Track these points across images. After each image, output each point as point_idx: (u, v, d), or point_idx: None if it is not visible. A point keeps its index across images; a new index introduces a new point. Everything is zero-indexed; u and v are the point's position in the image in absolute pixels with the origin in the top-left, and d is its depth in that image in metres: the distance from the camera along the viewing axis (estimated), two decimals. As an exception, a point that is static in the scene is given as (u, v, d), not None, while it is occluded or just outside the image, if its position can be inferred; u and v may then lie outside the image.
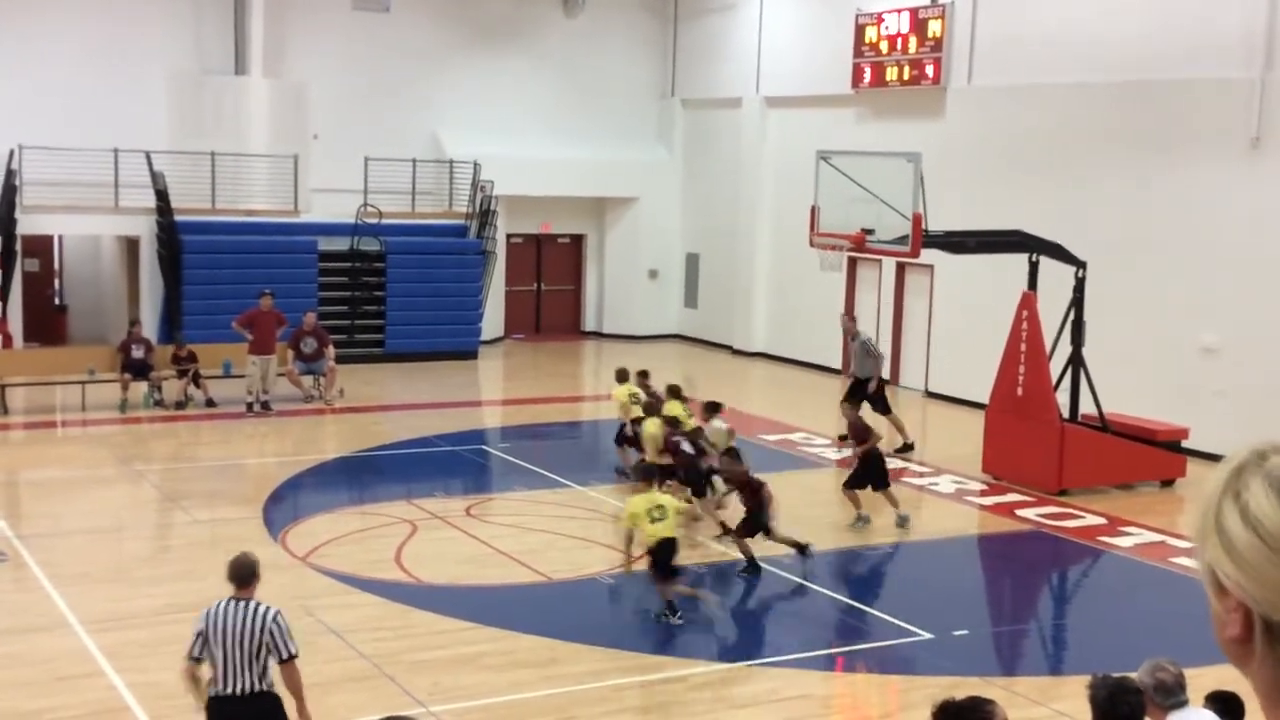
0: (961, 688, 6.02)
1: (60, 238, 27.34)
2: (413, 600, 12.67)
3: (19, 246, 24.21)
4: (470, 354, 26.61)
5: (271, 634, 7.62)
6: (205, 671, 7.82)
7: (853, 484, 15.23)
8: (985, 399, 18.12)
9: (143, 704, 9.87)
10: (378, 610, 12.37)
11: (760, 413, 21.51)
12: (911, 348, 24.76)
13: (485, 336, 27.80)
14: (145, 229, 25.24)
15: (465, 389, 24.61)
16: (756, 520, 13.51)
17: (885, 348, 24.08)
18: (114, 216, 25.16)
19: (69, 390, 20.78)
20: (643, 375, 17.82)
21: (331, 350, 22.36)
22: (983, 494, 17.16)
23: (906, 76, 24.17)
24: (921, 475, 18.04)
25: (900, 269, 24.58)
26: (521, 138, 28.77)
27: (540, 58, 29.48)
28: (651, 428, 15.38)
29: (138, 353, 21.56)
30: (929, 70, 23.66)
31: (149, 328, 24.15)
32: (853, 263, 25.43)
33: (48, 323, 26.81)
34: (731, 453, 14.30)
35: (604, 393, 24.75)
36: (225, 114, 26.71)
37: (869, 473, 15.20)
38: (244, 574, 7.92)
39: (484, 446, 19.69)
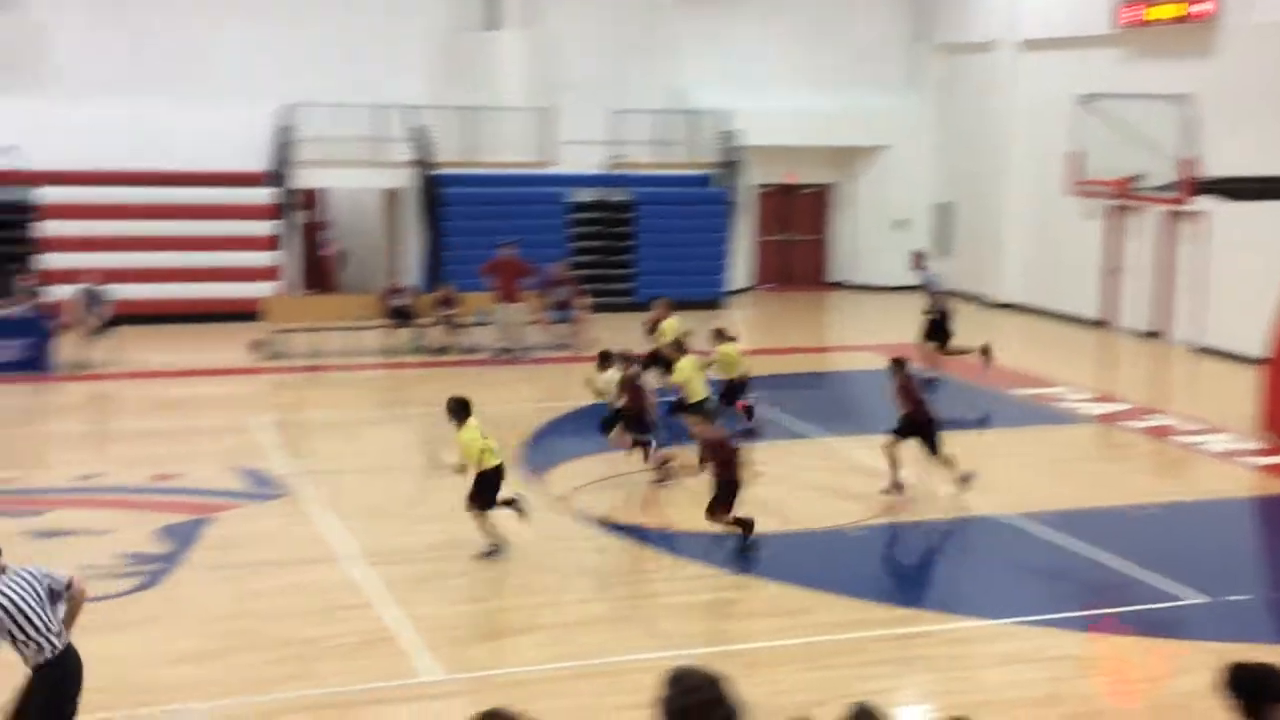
0: (1248, 654, 5.69)
1: (329, 191, 28.57)
2: (663, 545, 12.85)
3: (295, 201, 25.46)
4: (718, 303, 26.69)
5: None
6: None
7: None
8: (1264, 353, 17.17)
9: (411, 634, 10.31)
10: (629, 554, 12.60)
11: (1015, 366, 20.92)
12: (1183, 299, 23.59)
13: (733, 286, 27.85)
14: (407, 181, 26.17)
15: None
16: (728, 489, 12.25)
17: (1152, 298, 23.09)
18: (378, 170, 26.15)
19: (339, 336, 21.76)
20: (720, 333, 17.46)
21: (582, 299, 22.82)
22: (1260, 454, 16.28)
23: (1175, 13, 22.94)
24: (1190, 434, 17.25)
25: (1170, 217, 23.43)
26: (768, 87, 28.60)
27: (788, 5, 29.17)
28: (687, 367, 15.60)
29: (400, 300, 22.46)
30: (1202, 5, 22.39)
31: (411, 276, 25.15)
32: (1116, 210, 24.44)
33: (321, 272, 28.15)
34: (702, 411, 13.70)
35: (849, 343, 24.48)
36: (481, 68, 27.39)
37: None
38: None
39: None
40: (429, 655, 9.96)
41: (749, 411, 16.92)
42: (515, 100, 26.87)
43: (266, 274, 24.84)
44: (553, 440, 16.77)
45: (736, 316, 26.32)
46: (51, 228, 24.12)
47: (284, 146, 25.16)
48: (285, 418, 18.25)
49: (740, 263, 28.65)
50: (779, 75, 28.91)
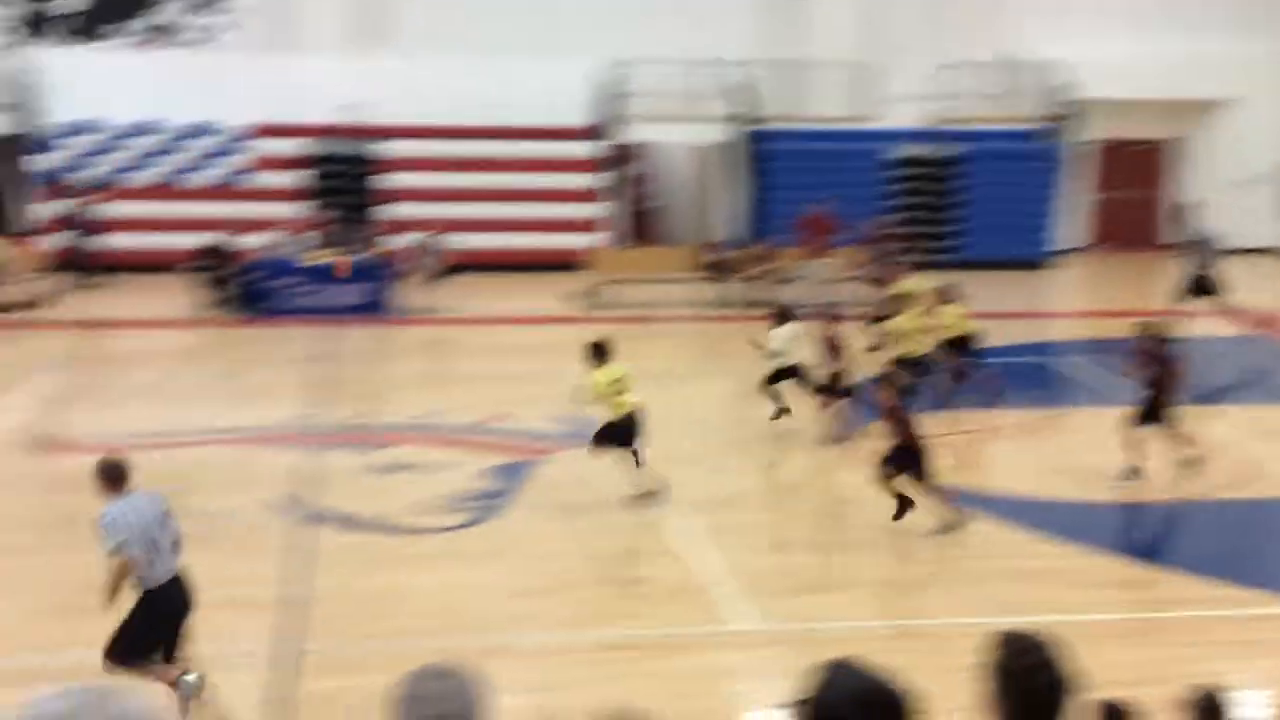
0: None
1: (652, 145, 29.03)
2: (979, 509, 12.53)
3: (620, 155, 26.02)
4: (1045, 263, 25.77)
5: None
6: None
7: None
8: None
9: (728, 583, 10.41)
10: (949, 516, 12.34)
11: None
12: None
13: (1064, 245, 26.82)
14: (729, 136, 26.31)
15: (1037, 299, 23.88)
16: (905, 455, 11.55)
17: None
18: (701, 124, 26.39)
19: (659, 288, 22.13)
20: (943, 293, 16.76)
21: (897, 257, 22.44)
22: None
23: None
24: None
25: None
26: (1105, 35, 27.24)
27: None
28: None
29: (719, 255, 22.66)
30: None
31: (731, 231, 25.33)
32: None
33: (642, 225, 28.71)
34: (890, 379, 12.61)
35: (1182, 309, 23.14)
36: (804, 22, 27.19)
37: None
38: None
39: (1053, 358, 19.06)
40: (745, 604, 10.05)
41: (960, 375, 16.31)
42: (838, 54, 26.57)
43: (589, 226, 25.50)
44: (868, 396, 16.56)
45: (1063, 277, 25.33)
46: (392, 180, 25.45)
47: (610, 101, 25.70)
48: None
49: (1072, 222, 27.53)
50: (1117, 21, 27.50)
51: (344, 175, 25.44)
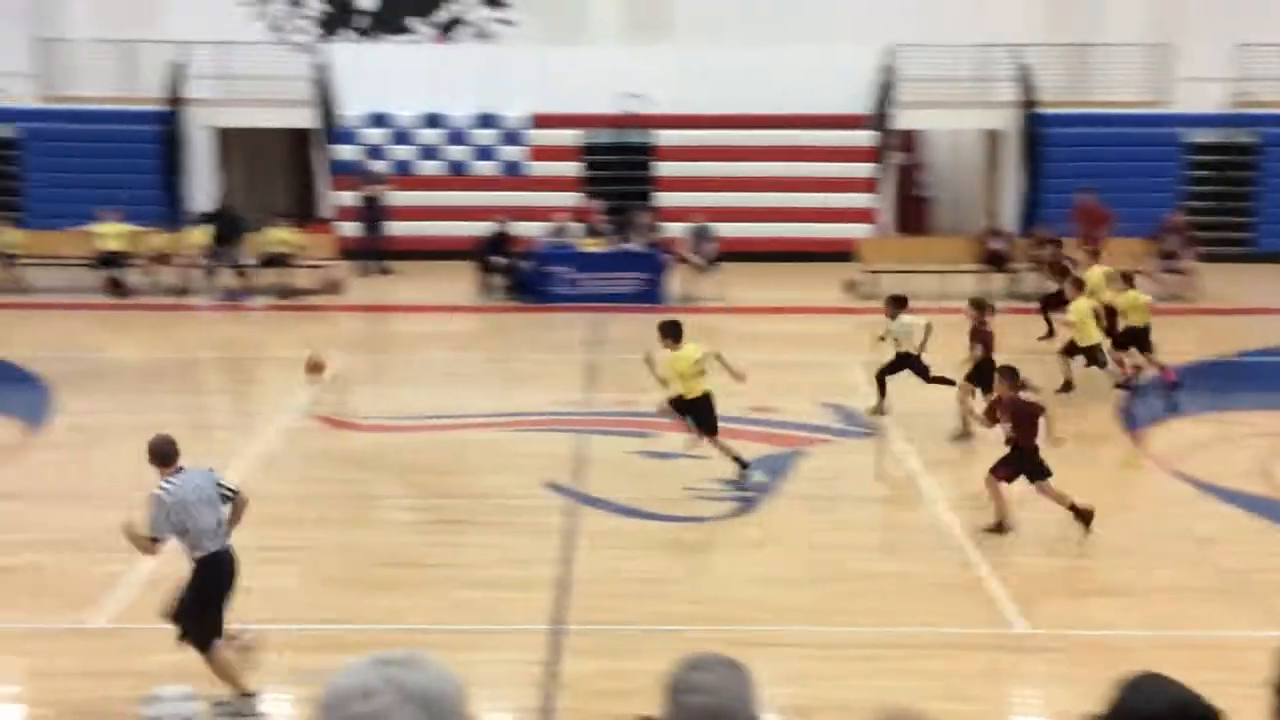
0: None
1: (927, 133, 28.47)
2: (1265, 515, 11.82)
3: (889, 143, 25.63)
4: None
5: None
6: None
7: None
8: None
9: (996, 583, 10.14)
10: (1238, 523, 11.70)
11: None
12: None
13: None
14: (1008, 122, 25.56)
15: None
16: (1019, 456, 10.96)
17: None
18: (979, 111, 25.73)
19: (933, 279, 21.67)
20: (1126, 277, 16.22)
21: (1192, 249, 21.37)
22: None
23: None
24: None
25: None
26: None
27: None
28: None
29: (996, 245, 22.04)
30: None
31: (1008, 220, 24.62)
32: None
33: (916, 214, 28.21)
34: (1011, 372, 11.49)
35: None
36: (1090, 3, 26.17)
37: None
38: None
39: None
40: (1014, 606, 9.77)
41: (1173, 386, 15.64)
42: (1127, 35, 25.43)
43: (862, 216, 25.20)
44: (1151, 396, 15.85)
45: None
46: (667, 168, 25.75)
47: (886, 88, 25.33)
48: (875, 357, 18.43)
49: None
50: None
51: (620, 164, 25.89)
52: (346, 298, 21.97)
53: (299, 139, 27.28)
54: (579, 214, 23.51)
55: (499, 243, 22.10)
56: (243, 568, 9.27)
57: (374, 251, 23.99)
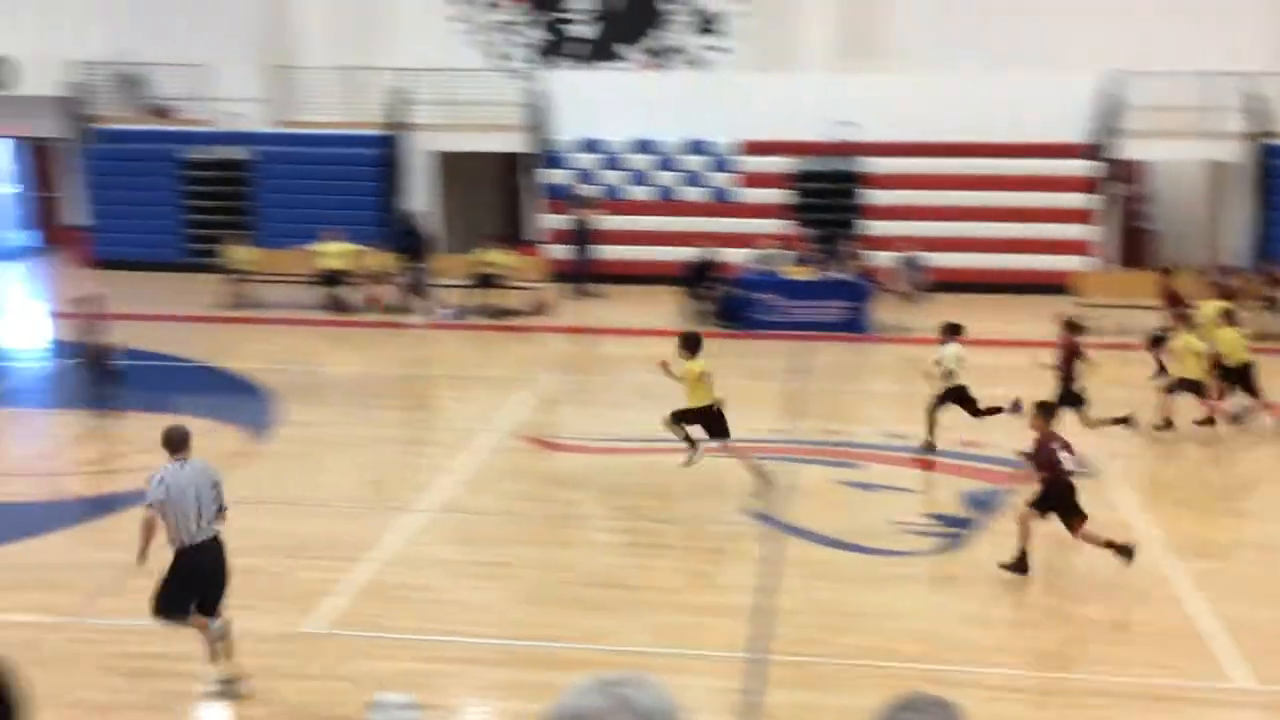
0: None
1: (1150, 163, 27.52)
2: None
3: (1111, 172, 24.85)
4: None
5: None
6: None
7: None
8: None
9: (1221, 636, 9.67)
10: None
11: None
12: None
13: None
14: (1237, 153, 24.53)
15: None
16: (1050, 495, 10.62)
17: None
18: (1207, 141, 24.76)
19: (1152, 315, 20.91)
20: (1228, 315, 15.80)
21: None
22: None
23: None
24: None
25: None
26: None
27: None
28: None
29: (1226, 280, 21.07)
30: None
31: (1236, 254, 23.60)
32: None
33: (1137, 247, 27.27)
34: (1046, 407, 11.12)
35: None
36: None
37: None
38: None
39: None
40: (1237, 659, 9.30)
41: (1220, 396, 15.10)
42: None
43: (1077, 248, 24.47)
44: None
45: None
46: (876, 196, 25.47)
47: (1107, 116, 24.58)
48: (1093, 394, 17.87)
49: None
50: None
51: (829, 192, 25.74)
52: (555, 319, 22.35)
53: (510, 163, 27.92)
54: (787, 241, 23.44)
55: (705, 268, 22.19)
56: (449, 580, 9.48)
57: (583, 274, 24.35)
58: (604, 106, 26.36)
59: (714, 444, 13.10)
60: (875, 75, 25.95)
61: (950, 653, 9.38)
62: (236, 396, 17.34)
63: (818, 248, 23.06)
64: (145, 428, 15.70)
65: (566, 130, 26.50)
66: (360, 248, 22.94)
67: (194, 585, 8.69)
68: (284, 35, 27.70)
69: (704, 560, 11.36)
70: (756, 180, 25.99)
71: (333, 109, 26.71)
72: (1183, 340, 15.36)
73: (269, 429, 15.42)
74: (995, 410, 14.24)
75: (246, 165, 26.44)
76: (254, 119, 26.90)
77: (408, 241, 23.22)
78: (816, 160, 25.85)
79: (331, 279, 22.68)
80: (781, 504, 12.76)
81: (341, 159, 26.20)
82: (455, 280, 22.79)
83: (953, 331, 14.62)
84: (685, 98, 26.33)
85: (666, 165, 26.36)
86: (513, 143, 26.66)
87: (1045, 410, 11.01)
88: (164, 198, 26.39)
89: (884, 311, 21.50)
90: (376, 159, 26.18)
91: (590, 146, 26.51)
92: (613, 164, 26.43)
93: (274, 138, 26.71)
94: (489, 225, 26.37)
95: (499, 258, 23.00)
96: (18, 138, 29.38)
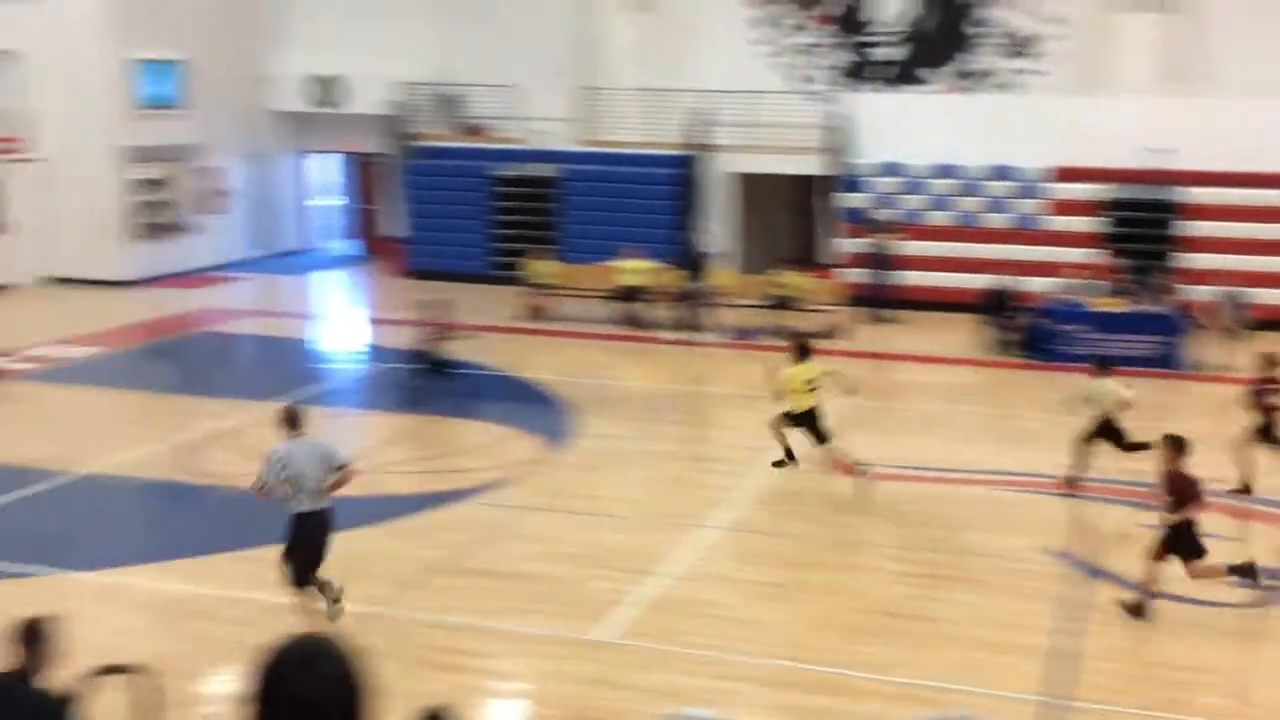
0: None
1: None
2: None
3: None
4: None
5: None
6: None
7: None
8: None
9: None
10: None
11: None
12: None
13: None
14: None
15: None
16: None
17: None
18: None
19: None
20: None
21: None
22: None
23: None
24: None
25: None
26: None
27: None
28: None
29: None
30: None
31: None
32: None
33: None
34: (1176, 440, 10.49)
35: None
36: None
37: None
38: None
39: None
40: None
41: None
42: None
43: None
44: None
45: None
46: (1194, 227, 24.22)
47: None
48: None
49: None
50: None
51: (1144, 221, 24.62)
52: (848, 343, 22.16)
53: (808, 186, 27.87)
54: (1098, 271, 22.55)
55: (1005, 297, 21.57)
56: (737, 598, 9.48)
57: (879, 299, 24.06)
58: (906, 130, 25.99)
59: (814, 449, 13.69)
60: (1197, 100, 24.69)
61: (1255, 710, 8.80)
62: (534, 406, 17.89)
63: (1130, 279, 22.08)
64: (454, 432, 16.43)
65: (867, 153, 26.27)
66: (658, 265, 23.32)
67: (316, 549, 9.75)
68: (593, 58, 28.50)
69: (996, 596, 11.02)
70: (1065, 207, 25.11)
71: (636, 129, 27.29)
72: None
73: (564, 439, 15.83)
74: (1143, 446, 13.33)
75: (552, 182, 27.29)
76: (561, 138, 27.74)
77: (689, 259, 23.49)
78: (1131, 188, 24.78)
79: (628, 295, 23.14)
80: (1083, 544, 12.26)
81: (642, 178, 26.72)
82: (748, 300, 22.87)
83: (1103, 366, 13.98)
84: (992, 121, 25.69)
85: (969, 190, 25.78)
86: (811, 165, 26.61)
87: (1174, 445, 10.51)
88: (474, 212, 27.51)
89: (1200, 348, 20.40)
90: (676, 179, 26.59)
91: (891, 170, 26.19)
92: (913, 188, 26.03)
93: (579, 156, 27.48)
94: (784, 247, 26.38)
95: (793, 280, 22.97)
96: (345, 153, 31.19)
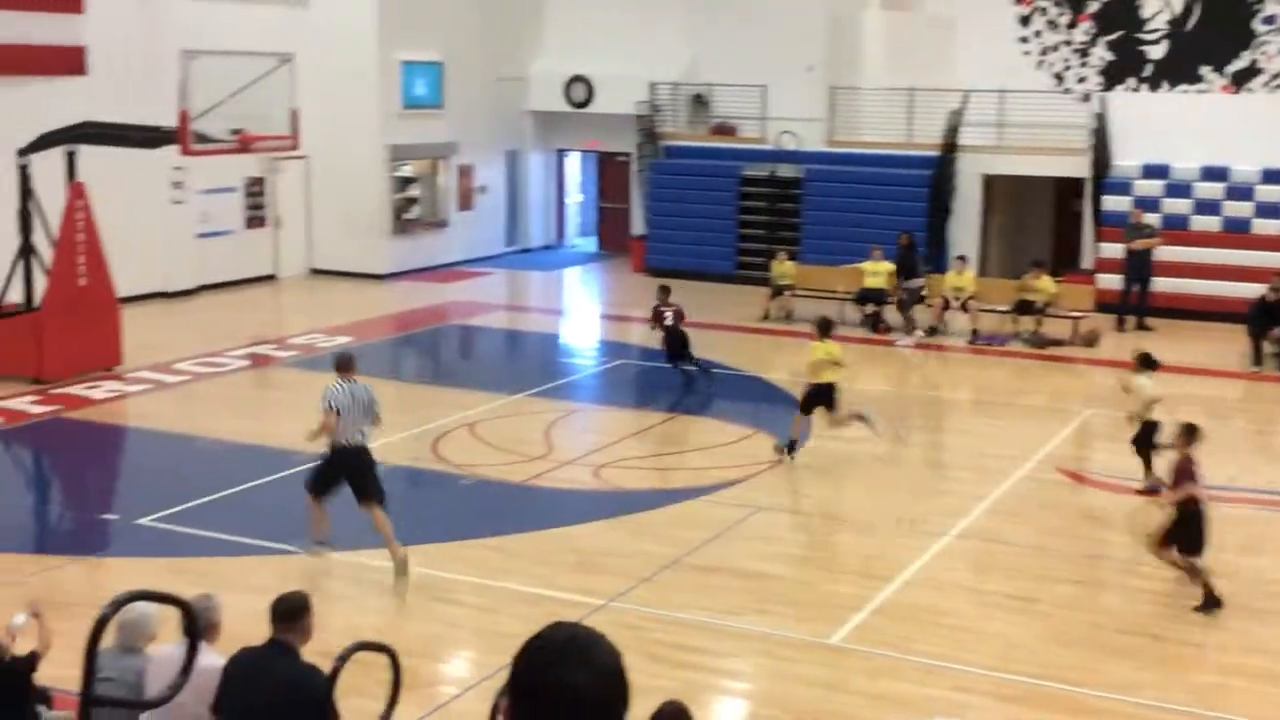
0: None
1: None
2: None
3: None
4: None
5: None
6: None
7: None
8: None
9: None
10: None
11: None
12: None
13: None
14: None
15: None
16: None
17: None
18: None
19: None
20: None
21: None
22: None
23: None
24: None
25: None
26: None
27: None
28: None
29: None
30: None
31: None
32: None
33: None
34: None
35: None
36: None
37: None
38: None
39: None
40: None
41: None
42: None
43: None
44: None
45: None
46: None
47: None
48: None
49: None
50: None
51: None
52: (1100, 351, 21.35)
53: (1064, 187, 26.97)
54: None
55: (1275, 308, 20.39)
56: (977, 609, 9.26)
57: (1136, 306, 23.08)
58: (1172, 131, 24.86)
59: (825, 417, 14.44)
60: None
61: None
62: (772, 406, 17.85)
63: None
64: (691, 429, 16.53)
65: (1129, 155, 25.24)
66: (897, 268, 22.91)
67: (335, 477, 10.95)
68: (844, 57, 28.20)
69: (1251, 620, 10.44)
70: (1344, 214, 23.59)
71: (884, 129, 26.90)
72: None
73: (799, 441, 15.74)
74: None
75: (798, 183, 27.14)
76: (809, 138, 27.56)
77: (903, 260, 23.00)
78: None
79: (871, 298, 22.82)
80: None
81: (890, 179, 26.30)
82: (994, 305, 22.26)
83: (1145, 363, 13.66)
84: (1269, 122, 24.33)
85: (1241, 194, 24.46)
86: (1069, 167, 25.73)
87: (1187, 433, 10.73)
88: (719, 212, 27.58)
89: None
90: (925, 180, 26.08)
91: (1154, 172, 25.09)
92: (1179, 192, 24.85)
93: (825, 156, 27.25)
94: (1035, 251, 25.55)
95: (1044, 284, 22.24)
96: (594, 151, 31.75)
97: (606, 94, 29.32)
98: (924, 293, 22.74)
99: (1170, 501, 10.67)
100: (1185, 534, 10.53)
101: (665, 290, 19.05)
